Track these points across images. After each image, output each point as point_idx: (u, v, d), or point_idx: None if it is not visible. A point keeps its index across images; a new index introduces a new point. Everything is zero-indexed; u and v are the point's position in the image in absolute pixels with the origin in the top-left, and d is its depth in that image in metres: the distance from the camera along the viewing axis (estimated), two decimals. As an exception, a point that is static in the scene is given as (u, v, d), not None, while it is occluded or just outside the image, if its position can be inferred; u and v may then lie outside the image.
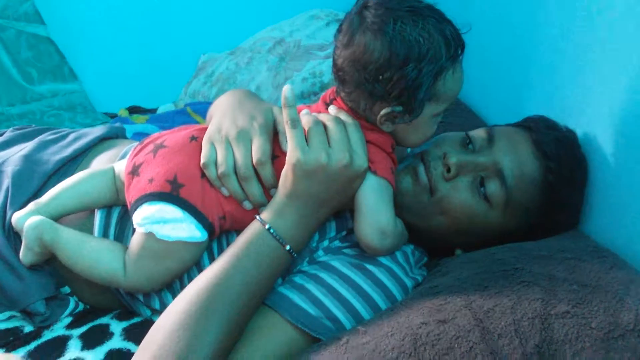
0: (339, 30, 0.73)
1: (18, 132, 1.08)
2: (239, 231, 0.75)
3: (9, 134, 1.07)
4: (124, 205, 0.83)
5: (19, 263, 0.83)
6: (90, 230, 0.85)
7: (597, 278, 0.63)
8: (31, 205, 0.83)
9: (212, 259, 0.79)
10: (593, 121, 0.85)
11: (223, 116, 0.80)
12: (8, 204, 0.87)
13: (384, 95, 0.69)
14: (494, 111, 1.25)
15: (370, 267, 0.75)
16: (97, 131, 1.07)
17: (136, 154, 0.80)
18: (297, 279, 0.75)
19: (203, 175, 0.75)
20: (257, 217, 0.72)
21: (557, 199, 0.80)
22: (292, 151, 0.70)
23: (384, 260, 0.77)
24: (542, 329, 0.56)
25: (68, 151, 0.98)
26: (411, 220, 0.82)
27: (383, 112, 0.71)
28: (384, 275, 0.75)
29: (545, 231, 0.81)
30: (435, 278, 0.74)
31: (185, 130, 0.82)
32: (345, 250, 0.79)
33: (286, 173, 0.71)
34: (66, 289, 0.89)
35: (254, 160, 0.74)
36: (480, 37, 1.25)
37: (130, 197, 0.77)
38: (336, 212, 0.77)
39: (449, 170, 0.79)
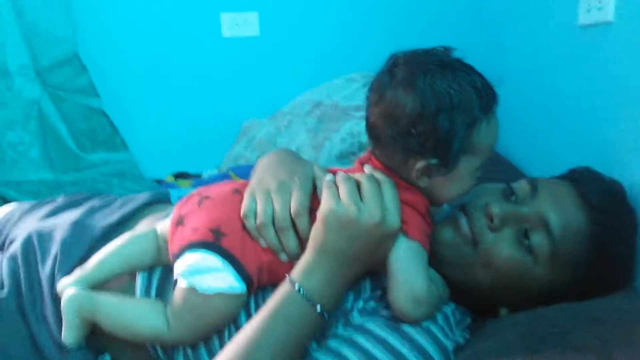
0: (370, 89, 0.74)
1: (68, 199, 1.13)
2: (275, 287, 0.73)
3: (60, 201, 1.12)
4: (165, 266, 0.84)
5: (61, 329, 0.84)
6: (132, 293, 0.86)
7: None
8: (77, 272, 0.84)
9: (248, 316, 0.78)
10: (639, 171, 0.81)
11: (265, 171, 0.82)
12: (56, 271, 0.90)
13: (418, 148, 0.69)
14: (536, 166, 1.22)
15: (407, 328, 0.72)
16: (143, 197, 1.10)
17: (182, 205, 0.81)
18: (332, 343, 0.72)
19: (244, 226, 0.76)
20: (287, 276, 0.71)
21: (605, 252, 0.75)
22: (324, 203, 0.70)
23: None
24: (597, 399, 0.51)
25: (114, 217, 1.01)
26: (453, 274, 0.79)
27: (418, 165, 0.70)
28: (421, 336, 0.71)
29: (595, 289, 0.76)
30: (479, 342, 0.70)
31: (229, 184, 0.84)
32: (381, 312, 0.76)
33: (317, 225, 0.71)
34: (106, 357, 0.89)
35: (292, 211, 0.74)
36: (518, 89, 1.25)
37: (173, 247, 0.77)
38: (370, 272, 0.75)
39: (492, 220, 0.76)
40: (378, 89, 0.71)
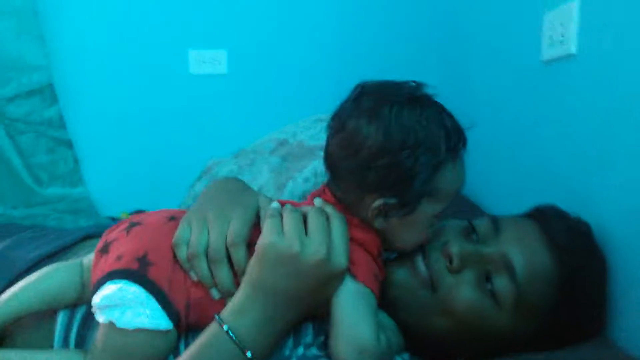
0: (332, 118, 0.68)
1: (-4, 231, 1.04)
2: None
3: (-14, 233, 1.04)
4: (90, 303, 0.75)
5: None
6: (50, 334, 0.76)
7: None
8: None
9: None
10: (607, 212, 0.76)
11: (206, 199, 0.75)
12: None
13: (377, 184, 0.63)
14: (498, 204, 1.16)
15: None
16: (83, 229, 1.03)
17: (109, 232, 0.74)
18: None
19: (175, 258, 0.68)
20: (216, 315, 0.63)
21: (574, 296, 0.69)
22: (264, 234, 0.63)
23: None
24: None
25: (46, 249, 0.93)
26: (407, 320, 0.72)
27: (376, 203, 0.64)
28: None
29: (563, 337, 0.69)
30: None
31: (165, 212, 0.76)
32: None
33: (254, 259, 0.63)
34: None
35: (228, 242, 0.66)
36: (482, 127, 1.21)
37: (94, 277, 0.69)
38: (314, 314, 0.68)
39: (451, 262, 0.70)
40: (340, 117, 0.66)
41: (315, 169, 1.47)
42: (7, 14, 1.63)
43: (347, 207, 0.68)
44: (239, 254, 0.67)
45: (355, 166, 0.64)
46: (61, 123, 1.77)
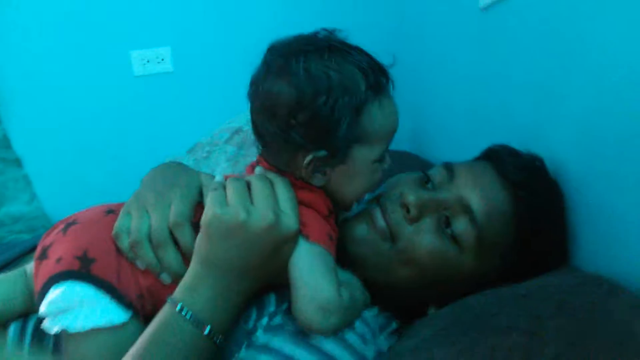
0: (249, 85, 0.65)
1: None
2: None
3: None
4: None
5: None
6: (2, 345, 0.72)
7: (592, 309, 0.49)
8: None
9: None
10: (557, 144, 0.75)
11: (144, 187, 0.71)
12: None
13: (302, 141, 0.60)
14: (451, 153, 1.15)
15: (317, 340, 0.61)
16: (28, 242, 0.97)
17: (46, 236, 0.68)
18: None
19: (119, 251, 0.64)
20: (168, 296, 0.60)
21: (534, 230, 0.68)
22: (208, 208, 0.60)
23: None
24: (525, 382, 0.41)
25: (-2, 259, 0.88)
26: (371, 275, 0.70)
27: (307, 159, 0.61)
28: (335, 346, 0.60)
29: (529, 272, 0.68)
30: (399, 344, 0.59)
31: (102, 206, 0.71)
32: (288, 326, 0.65)
33: (200, 235, 0.60)
34: None
35: (170, 223, 0.63)
36: (423, 76, 1.20)
37: (37, 286, 0.64)
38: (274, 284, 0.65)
39: (408, 211, 0.68)
40: (254, 82, 0.63)
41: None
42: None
43: (283, 171, 0.65)
44: (183, 234, 0.64)
45: (277, 129, 0.61)
46: (6, 143, 1.71)
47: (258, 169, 0.66)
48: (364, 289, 0.70)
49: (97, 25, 1.74)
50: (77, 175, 1.78)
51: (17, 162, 1.73)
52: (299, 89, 0.59)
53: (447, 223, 0.68)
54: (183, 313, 0.58)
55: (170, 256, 0.64)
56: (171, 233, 0.64)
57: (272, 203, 0.60)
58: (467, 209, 0.68)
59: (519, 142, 0.77)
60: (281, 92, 0.59)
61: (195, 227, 0.63)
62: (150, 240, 0.64)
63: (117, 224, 0.65)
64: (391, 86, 0.65)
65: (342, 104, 0.59)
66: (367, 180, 0.66)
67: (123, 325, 0.62)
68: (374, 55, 0.64)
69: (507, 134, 0.87)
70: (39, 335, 0.71)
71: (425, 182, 0.74)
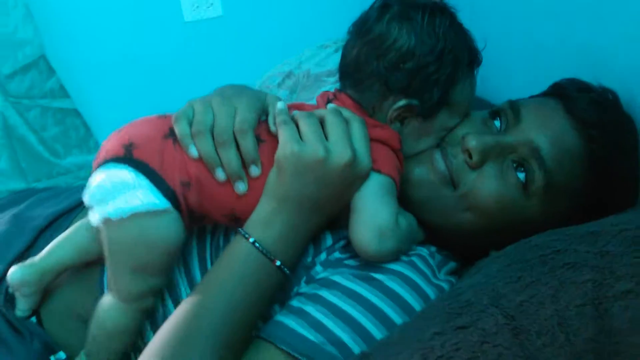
0: (353, 24, 0.68)
1: (15, 196, 1.04)
2: (208, 219, 0.66)
3: (5, 198, 1.03)
4: None
5: (8, 333, 0.75)
6: (93, 286, 0.76)
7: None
8: (26, 263, 0.75)
9: (202, 267, 0.70)
10: (630, 76, 0.70)
11: (212, 93, 0.71)
12: None
13: (403, 86, 0.63)
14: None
15: (378, 275, 0.62)
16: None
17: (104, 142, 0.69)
18: (294, 302, 0.63)
19: (166, 136, 0.63)
20: (240, 230, 0.62)
21: (607, 172, 0.65)
22: (283, 144, 0.59)
23: (395, 266, 0.64)
24: (596, 316, 0.40)
25: (62, 205, 0.93)
26: (430, 218, 0.69)
27: (400, 103, 0.64)
28: (396, 283, 0.61)
29: (599, 213, 0.65)
30: (461, 281, 0.59)
31: (156, 115, 0.72)
32: (347, 262, 0.66)
33: (276, 171, 0.61)
34: (61, 355, 0.80)
35: (235, 127, 0.62)
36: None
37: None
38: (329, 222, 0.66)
39: (470, 157, 0.66)
40: (365, 22, 0.66)
41: (324, 95, 1.43)
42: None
43: (364, 109, 0.67)
44: (246, 140, 0.62)
45: (382, 68, 0.64)
46: (63, 93, 1.74)
47: (331, 106, 0.66)
48: (420, 227, 0.69)
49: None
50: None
51: (76, 112, 1.78)
52: (418, 40, 0.63)
53: (514, 168, 0.66)
54: (257, 245, 0.60)
55: (231, 155, 0.62)
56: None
57: (349, 141, 0.60)
58: (535, 153, 0.65)
59: (589, 74, 0.73)
60: (400, 37, 0.63)
61: (257, 139, 0.63)
62: (212, 134, 0.63)
63: (179, 111, 0.64)
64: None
65: (448, 69, 0.63)
66: (428, 142, 0.69)
67: (164, 211, 0.62)
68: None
69: (576, 67, 0.82)
70: None
71: (489, 122, 0.71)
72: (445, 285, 0.65)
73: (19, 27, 1.65)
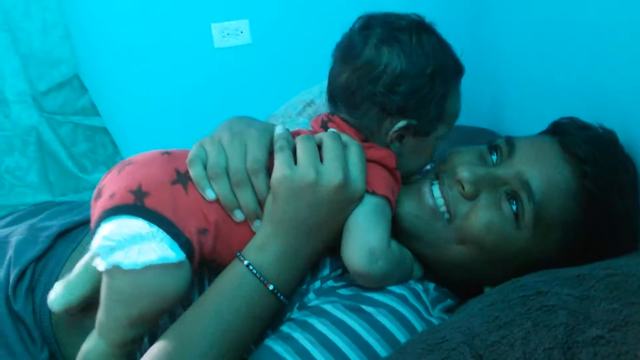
0: (338, 49, 0.68)
1: (35, 207, 1.08)
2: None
3: (26, 210, 1.07)
4: None
5: (15, 340, 0.78)
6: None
7: (650, 295, 0.46)
8: (59, 284, 0.72)
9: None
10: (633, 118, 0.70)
11: (218, 129, 0.74)
12: (11, 270, 0.84)
13: (399, 108, 0.64)
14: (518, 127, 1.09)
15: (368, 308, 0.62)
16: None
17: (103, 178, 0.66)
18: (284, 327, 0.63)
19: (175, 181, 0.62)
20: (238, 254, 0.62)
21: (600, 209, 0.64)
22: (277, 169, 0.61)
23: (386, 299, 0.64)
24: (562, 362, 0.40)
25: (76, 218, 0.95)
26: (424, 252, 0.69)
27: (400, 125, 0.64)
28: (385, 317, 0.61)
29: (594, 253, 0.64)
30: (448, 318, 0.59)
31: (158, 150, 0.69)
32: (339, 291, 0.66)
33: (271, 195, 0.62)
34: None
35: (248, 167, 0.62)
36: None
37: (92, 226, 0.62)
38: (331, 248, 0.66)
39: (464, 188, 0.67)
40: (351, 47, 0.66)
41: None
42: (35, 11, 1.67)
43: (360, 132, 0.67)
44: (260, 181, 0.63)
45: (377, 92, 0.64)
46: (94, 111, 1.82)
47: (331, 130, 0.67)
48: (417, 262, 0.69)
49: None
50: (160, 145, 1.87)
51: (105, 130, 1.84)
52: (410, 61, 0.63)
53: (507, 200, 0.66)
54: (251, 268, 0.61)
55: (249, 195, 0.63)
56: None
57: (343, 164, 0.61)
58: (525, 186, 0.65)
59: (589, 115, 0.72)
60: (391, 61, 0.63)
61: (269, 172, 0.63)
62: (227, 176, 0.63)
63: (192, 153, 0.64)
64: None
65: (440, 85, 0.64)
66: (427, 156, 0.70)
67: (179, 265, 0.59)
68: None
69: (577, 106, 0.82)
70: None
71: (485, 155, 0.71)
72: (437, 322, 0.64)
73: (56, 46, 1.72)
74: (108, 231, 0.59)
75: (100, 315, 0.63)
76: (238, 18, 1.83)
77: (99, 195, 0.63)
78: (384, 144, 0.67)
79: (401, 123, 0.64)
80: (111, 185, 0.62)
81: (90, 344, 0.64)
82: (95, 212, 0.62)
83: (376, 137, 0.67)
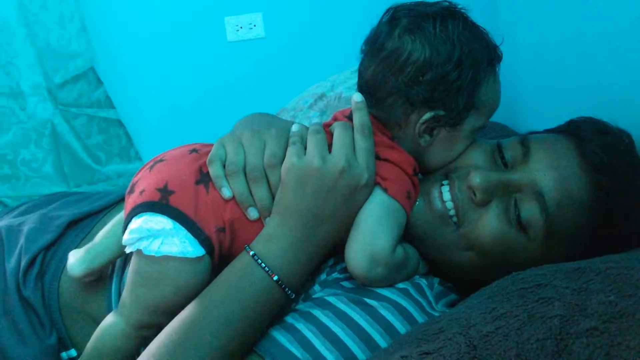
0: (365, 42, 0.68)
1: (47, 197, 1.10)
2: None
3: (38, 199, 1.10)
4: None
5: (25, 324, 0.80)
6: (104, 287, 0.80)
7: (647, 288, 0.46)
8: (82, 250, 0.77)
9: None
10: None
11: (239, 126, 0.75)
12: (22, 258, 0.86)
13: (425, 99, 0.63)
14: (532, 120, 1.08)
15: (372, 302, 0.62)
16: (123, 188, 1.06)
17: (136, 174, 0.72)
18: (288, 317, 0.64)
19: (198, 181, 0.66)
20: (245, 245, 0.63)
21: (614, 222, 0.63)
22: (287, 159, 0.63)
23: (390, 293, 0.64)
24: (555, 352, 0.40)
25: (88, 207, 0.97)
26: (431, 254, 0.69)
27: (426, 116, 0.64)
28: (387, 310, 0.62)
29: None
30: (448, 311, 0.59)
31: (188, 145, 0.74)
32: (343, 283, 0.67)
33: (281, 184, 0.63)
34: (72, 352, 0.84)
35: (265, 162, 0.65)
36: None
37: (124, 217, 0.68)
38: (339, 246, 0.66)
39: (475, 194, 0.65)
40: (377, 39, 0.66)
41: (353, 118, 1.45)
42: (52, 4, 1.70)
43: (388, 127, 0.67)
44: (276, 176, 0.65)
45: (401, 84, 0.63)
46: (109, 103, 1.84)
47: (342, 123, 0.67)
48: (422, 261, 0.69)
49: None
50: (173, 138, 1.89)
51: (119, 123, 1.87)
52: (434, 49, 0.62)
53: (516, 207, 0.64)
54: (256, 259, 0.62)
55: (263, 192, 0.65)
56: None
57: (348, 151, 0.62)
58: (538, 195, 0.63)
59: (605, 111, 0.71)
60: (414, 50, 0.62)
61: None
62: (244, 173, 0.65)
63: (212, 152, 0.67)
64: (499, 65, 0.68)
65: (468, 73, 0.62)
66: (460, 147, 0.68)
67: (198, 259, 0.64)
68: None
69: (596, 102, 0.80)
70: None
71: (497, 156, 0.69)
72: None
73: (72, 39, 1.75)
74: (135, 226, 0.64)
75: (124, 295, 0.67)
76: (251, 11, 1.84)
77: (131, 191, 0.68)
78: (413, 140, 0.66)
79: (427, 115, 0.64)
80: (142, 182, 0.67)
81: (109, 320, 0.68)
82: (128, 206, 0.67)
83: (404, 132, 0.66)
